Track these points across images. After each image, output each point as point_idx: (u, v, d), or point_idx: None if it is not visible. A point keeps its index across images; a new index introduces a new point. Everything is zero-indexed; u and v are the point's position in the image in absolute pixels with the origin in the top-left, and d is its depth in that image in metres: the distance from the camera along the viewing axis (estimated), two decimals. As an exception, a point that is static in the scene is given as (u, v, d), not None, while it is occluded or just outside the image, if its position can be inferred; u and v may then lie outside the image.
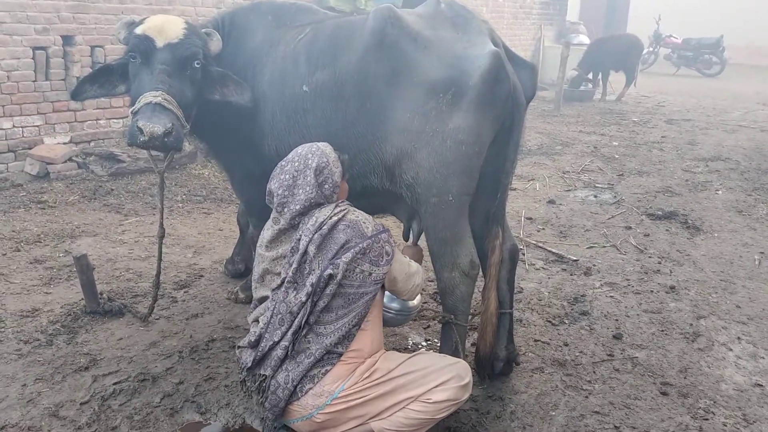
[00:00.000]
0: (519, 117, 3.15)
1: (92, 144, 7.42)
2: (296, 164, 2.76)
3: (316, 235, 2.63)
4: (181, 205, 6.43)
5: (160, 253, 3.85)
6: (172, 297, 4.41)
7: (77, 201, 6.33)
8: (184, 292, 4.49)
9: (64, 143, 7.18)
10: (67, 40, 7.10)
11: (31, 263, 4.80)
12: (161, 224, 3.78)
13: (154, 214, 6.02)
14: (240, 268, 4.73)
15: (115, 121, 7.67)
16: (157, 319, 4.08)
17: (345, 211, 2.73)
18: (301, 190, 2.72)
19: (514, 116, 3.12)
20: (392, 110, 3.08)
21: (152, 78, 3.16)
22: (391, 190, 3.26)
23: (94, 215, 5.97)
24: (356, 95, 3.15)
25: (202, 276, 4.79)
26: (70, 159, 7.07)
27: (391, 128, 3.10)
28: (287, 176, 2.75)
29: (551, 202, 7.06)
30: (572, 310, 4.49)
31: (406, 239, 3.57)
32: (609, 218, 6.56)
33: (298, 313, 2.60)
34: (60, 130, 7.19)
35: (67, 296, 4.32)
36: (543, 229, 6.22)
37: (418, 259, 3.33)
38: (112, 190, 6.67)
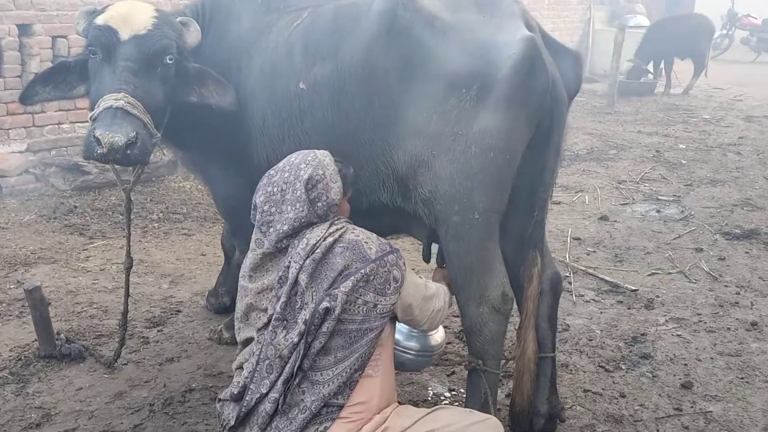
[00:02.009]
0: (560, 116, 3.12)
1: (53, 153, 7.48)
2: (286, 174, 2.74)
3: (307, 261, 2.60)
4: (156, 225, 6.46)
5: (128, 286, 3.86)
6: (143, 337, 4.40)
7: (34, 221, 6.38)
8: (158, 332, 4.49)
9: (20, 152, 7.25)
10: (24, 29, 7.18)
11: (-24, 296, 4.84)
12: (128, 253, 3.79)
13: (125, 236, 6.04)
14: (225, 301, 4.72)
15: (80, 125, 7.71)
16: (124, 364, 4.06)
17: (342, 230, 2.70)
18: (289, 207, 2.70)
19: (554, 115, 3.10)
20: (405, 110, 3.06)
21: (114, 77, 3.17)
22: (404, 207, 3.24)
23: (53, 238, 6.01)
24: (362, 93, 3.14)
25: (179, 311, 4.78)
26: (26, 171, 7.14)
27: (404, 132, 3.08)
28: (275, 188, 2.74)
29: (604, 218, 7.00)
30: (630, 352, 4.41)
31: (427, 261, 3.55)
32: (675, 238, 6.47)
33: (289, 358, 2.57)
34: (15, 137, 7.28)
35: (18, 337, 4.32)
36: (594, 251, 6.15)
37: (446, 281, 3.30)
38: (76, 207, 6.73)
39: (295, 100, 3.34)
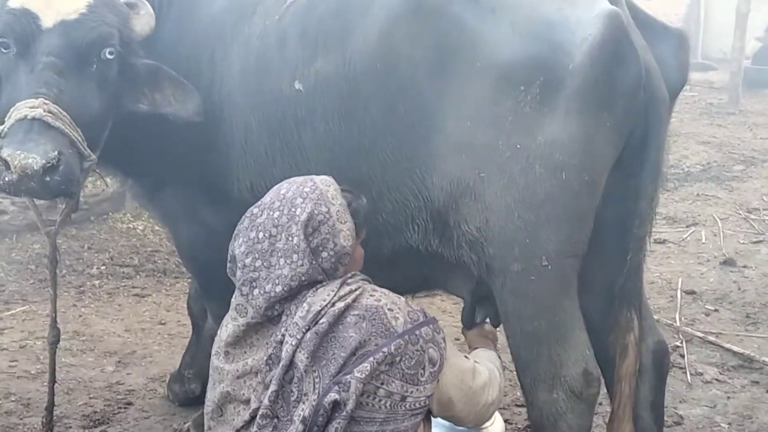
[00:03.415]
0: (658, 121, 3.12)
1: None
2: (276, 214, 2.76)
3: (308, 335, 2.61)
4: (97, 282, 6.51)
5: (53, 369, 3.86)
6: (79, 441, 4.41)
7: (-74, 280, 6.48)
8: (101, 432, 4.50)
9: None
10: None
11: None
12: (53, 322, 3.80)
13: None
14: (193, 389, 4.72)
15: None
16: (53, 479, 4.07)
17: (358, 292, 2.71)
18: (283, 260, 2.72)
19: (650, 120, 3.10)
20: (441, 117, 3.08)
21: (32, 78, 3.21)
22: (441, 252, 3.24)
23: (-46, 303, 6.07)
24: (381, 95, 3.17)
25: (129, 404, 4.78)
26: None
27: (440, 147, 3.10)
28: (261, 234, 2.76)
29: (729, 263, 6.96)
30: (772, 454, 4.37)
31: (468, 327, 3.54)
32: (832, 291, 6.42)
33: (281, 472, 2.58)
34: None
35: None
36: (716, 310, 6.10)
37: (485, 341, 3.33)
38: (-15, 260, 6.82)
39: (288, 107, 3.37)
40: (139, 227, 7.62)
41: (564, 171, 2.96)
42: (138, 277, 6.67)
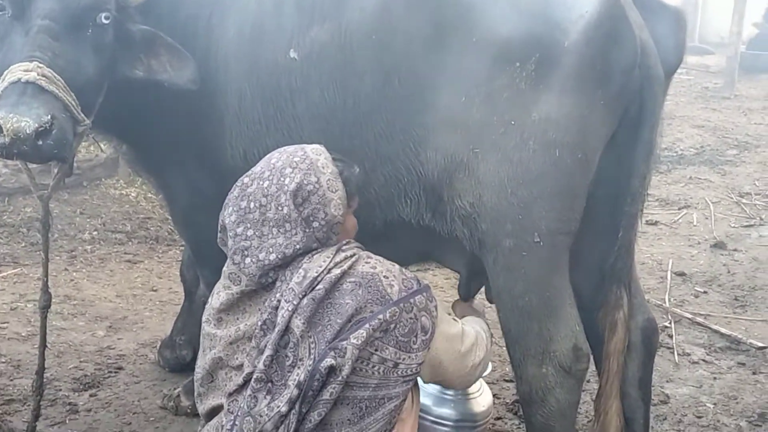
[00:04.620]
0: (653, 100, 3.12)
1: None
2: (266, 184, 2.77)
3: (305, 301, 2.62)
4: (89, 248, 6.52)
5: (44, 333, 3.86)
6: (69, 404, 4.42)
7: None
8: (91, 396, 4.51)
9: None
10: None
11: None
12: (44, 286, 3.81)
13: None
14: (184, 355, 4.76)
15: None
16: (42, 442, 4.09)
17: (354, 259, 2.73)
18: (275, 229, 2.73)
19: (645, 99, 3.11)
20: (437, 92, 3.08)
21: (27, 41, 3.18)
22: (434, 227, 3.25)
23: (-56, 265, 6.08)
24: (376, 67, 3.17)
25: (120, 368, 4.81)
26: None
27: (435, 122, 3.11)
28: (251, 204, 2.76)
29: (719, 245, 6.99)
30: (756, 435, 4.40)
31: (465, 300, 3.56)
32: (821, 274, 6.47)
33: (274, 436, 2.60)
34: None
35: None
36: (705, 292, 6.14)
37: (475, 312, 3.37)
38: (-23, 222, 6.82)
39: (283, 75, 3.37)
40: (132, 194, 7.61)
41: (557, 148, 2.98)
42: (130, 243, 6.68)
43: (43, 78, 3.10)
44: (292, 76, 3.35)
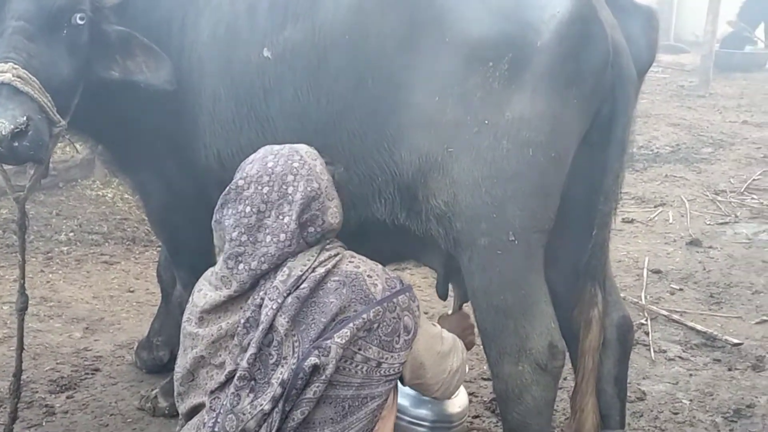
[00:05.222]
0: (625, 99, 3.14)
1: None
2: (265, 190, 2.75)
3: (289, 299, 2.63)
4: (66, 249, 6.48)
5: (21, 334, 3.85)
6: (46, 406, 4.40)
7: None
8: (67, 398, 4.49)
9: None
10: None
11: None
12: (21, 288, 3.79)
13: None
14: (162, 356, 4.74)
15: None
16: (18, 444, 4.07)
17: (338, 258, 2.73)
18: (269, 237, 2.72)
19: (617, 98, 3.12)
20: (410, 91, 3.09)
21: (1, 42, 3.18)
22: (409, 226, 3.26)
23: None
24: (349, 66, 3.17)
25: (97, 370, 4.79)
26: None
27: (408, 121, 3.11)
28: (248, 208, 2.75)
29: (694, 243, 7.01)
30: (732, 431, 4.40)
31: (444, 298, 3.56)
32: (795, 271, 6.50)
33: (256, 432, 2.59)
34: None
35: None
36: (680, 290, 6.16)
37: (464, 334, 3.33)
38: (-48, 224, 6.76)
39: (257, 74, 3.37)
40: (109, 194, 7.57)
41: (531, 147, 2.98)
42: (107, 244, 6.64)
43: (18, 79, 3.10)
44: (266, 76, 3.36)
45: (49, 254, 6.36)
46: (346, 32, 3.16)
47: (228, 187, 2.83)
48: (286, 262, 2.72)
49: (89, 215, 7.14)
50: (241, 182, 2.80)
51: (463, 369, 3.05)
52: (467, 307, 3.45)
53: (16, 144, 3.05)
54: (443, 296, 3.54)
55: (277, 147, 2.88)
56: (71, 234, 6.75)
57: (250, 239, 2.72)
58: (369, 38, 3.13)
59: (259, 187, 2.75)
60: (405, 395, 3.31)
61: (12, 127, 3.02)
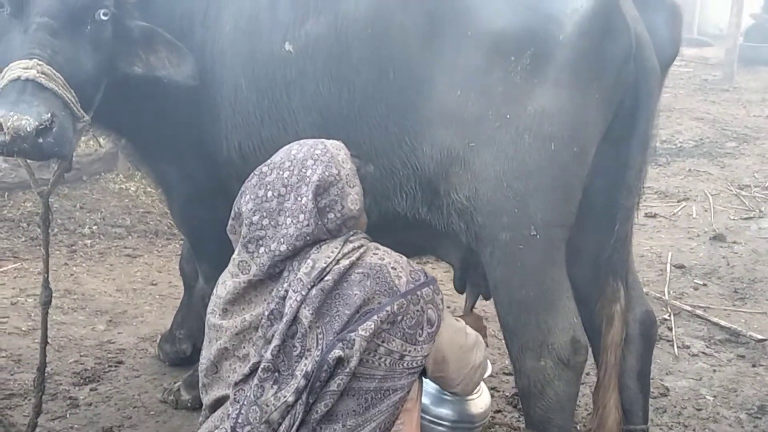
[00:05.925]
0: (648, 93, 3.13)
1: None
2: (286, 174, 2.76)
3: (313, 291, 2.62)
4: (89, 242, 6.52)
5: (45, 327, 3.87)
6: (70, 398, 4.43)
7: None
8: (91, 390, 4.52)
9: None
10: None
11: None
12: (45, 281, 3.81)
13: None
14: (184, 349, 4.76)
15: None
16: (42, 436, 4.11)
17: (362, 250, 2.73)
18: (289, 219, 2.72)
19: (640, 92, 3.11)
20: (432, 85, 3.08)
21: (26, 39, 3.19)
22: (430, 220, 3.27)
23: (-56, 260, 6.08)
24: (371, 60, 3.17)
25: (120, 363, 4.81)
26: None
27: (430, 116, 3.11)
28: (270, 192, 2.76)
29: (718, 238, 6.99)
30: (756, 427, 4.39)
31: (461, 291, 3.56)
32: (821, 267, 6.46)
33: (279, 424, 2.59)
34: None
35: None
36: (704, 285, 6.13)
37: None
38: (-23, 217, 6.82)
39: (279, 68, 3.37)
40: (132, 188, 7.62)
41: (553, 141, 2.98)
42: (130, 237, 6.69)
43: (43, 75, 3.11)
44: (288, 69, 3.36)
45: (73, 247, 6.41)
46: (369, 25, 3.16)
47: (251, 174, 2.83)
48: (309, 253, 2.71)
49: (112, 208, 7.19)
50: (265, 168, 2.81)
51: (485, 365, 3.04)
52: (476, 309, 3.45)
53: (40, 140, 3.06)
54: (461, 290, 3.54)
55: (306, 140, 2.88)
56: (95, 227, 6.81)
57: (271, 222, 2.72)
58: (391, 31, 3.13)
59: (281, 172, 2.76)
60: (426, 393, 3.29)
61: (36, 123, 3.03)
